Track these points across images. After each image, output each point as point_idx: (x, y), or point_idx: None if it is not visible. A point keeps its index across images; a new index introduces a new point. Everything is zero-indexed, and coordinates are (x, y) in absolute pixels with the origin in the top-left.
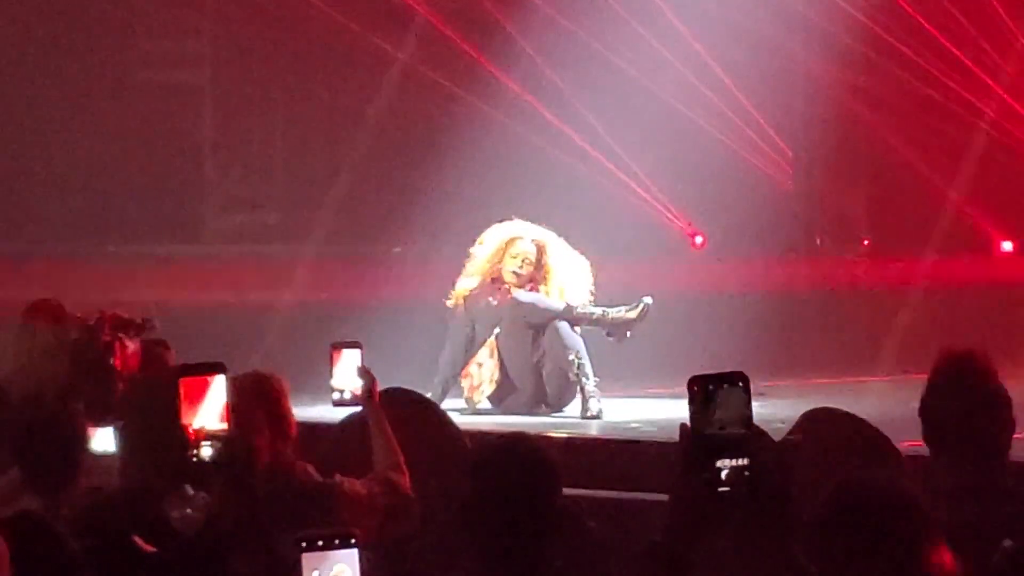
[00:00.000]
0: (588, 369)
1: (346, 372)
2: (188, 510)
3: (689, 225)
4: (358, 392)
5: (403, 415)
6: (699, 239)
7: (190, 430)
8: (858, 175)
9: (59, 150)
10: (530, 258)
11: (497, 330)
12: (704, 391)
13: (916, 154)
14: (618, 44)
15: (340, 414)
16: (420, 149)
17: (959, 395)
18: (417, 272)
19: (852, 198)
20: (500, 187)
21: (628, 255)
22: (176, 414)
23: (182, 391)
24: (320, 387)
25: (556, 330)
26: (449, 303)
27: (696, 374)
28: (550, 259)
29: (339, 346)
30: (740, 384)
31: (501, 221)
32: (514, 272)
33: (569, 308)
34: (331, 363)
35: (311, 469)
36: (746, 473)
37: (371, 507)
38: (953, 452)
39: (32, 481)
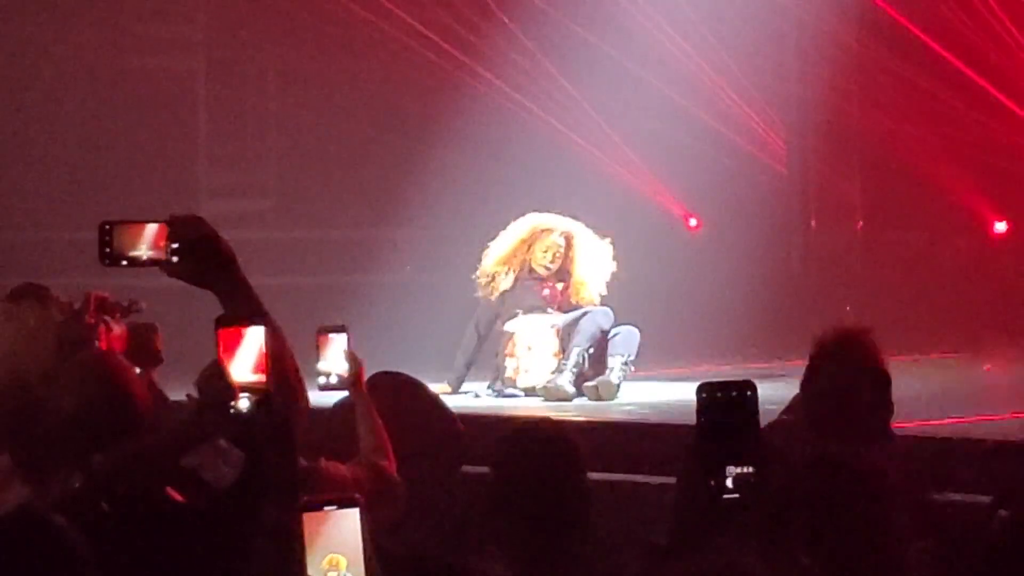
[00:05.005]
0: (575, 357)
1: (333, 356)
2: (221, 464)
3: (684, 208)
4: (345, 376)
5: (393, 399)
6: (694, 222)
7: (234, 382)
8: (852, 157)
9: (52, 136)
10: (560, 252)
11: (558, 323)
12: (712, 398)
13: (910, 136)
14: (611, 29)
15: (327, 399)
16: (415, 134)
17: (839, 371)
18: (407, 255)
19: (846, 180)
20: (494, 172)
21: (623, 238)
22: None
23: (220, 342)
24: (307, 372)
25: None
26: (482, 294)
27: (704, 381)
28: (576, 251)
29: (326, 330)
30: (748, 392)
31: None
32: (545, 266)
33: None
34: (318, 347)
35: None
36: (752, 480)
37: (356, 491)
38: (823, 424)
39: (21, 467)
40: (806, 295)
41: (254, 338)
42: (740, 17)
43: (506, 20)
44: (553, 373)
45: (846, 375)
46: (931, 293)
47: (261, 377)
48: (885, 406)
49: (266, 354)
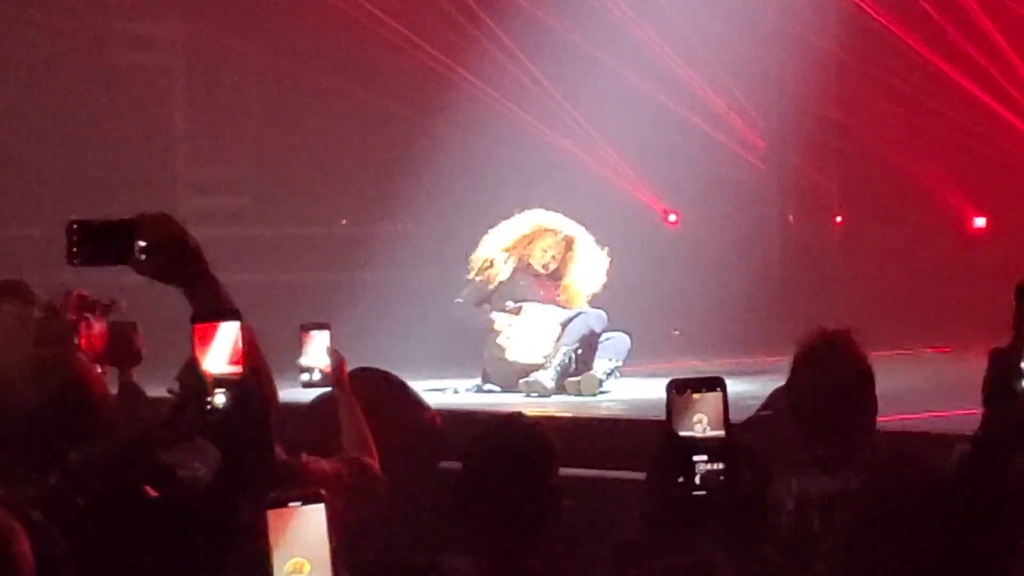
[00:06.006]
0: (561, 356)
1: (315, 352)
2: (197, 465)
3: (663, 203)
4: (327, 372)
5: (373, 395)
6: (673, 217)
7: (208, 376)
8: (830, 152)
9: (28, 133)
10: (559, 254)
11: (560, 319)
12: (683, 394)
13: (888, 132)
14: (590, 27)
15: (309, 396)
16: (395, 130)
17: (824, 372)
18: (387, 251)
19: (825, 176)
20: (475, 169)
21: (603, 233)
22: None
23: (195, 337)
24: (289, 368)
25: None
26: (478, 277)
27: (675, 378)
28: (575, 255)
29: (308, 327)
30: (718, 389)
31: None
32: (543, 265)
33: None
34: (300, 344)
35: (278, 448)
36: (721, 477)
37: (338, 487)
38: (813, 426)
39: None
40: (784, 290)
41: (229, 332)
42: (719, 13)
43: (486, 18)
44: (545, 357)
45: (831, 375)
46: (909, 288)
47: (237, 368)
48: (870, 404)
49: (241, 349)
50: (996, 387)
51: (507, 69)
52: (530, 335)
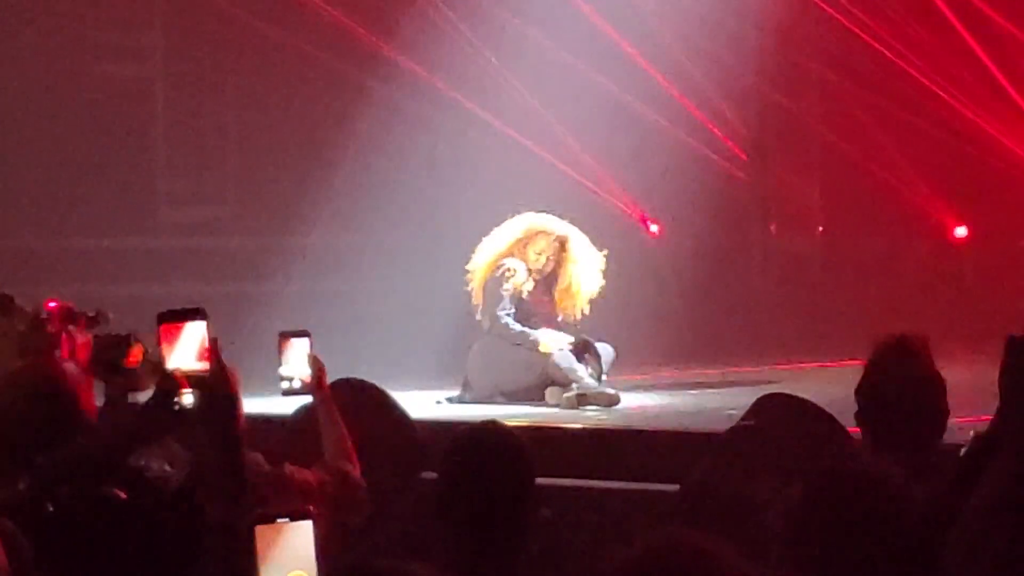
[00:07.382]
0: (581, 371)
1: (295, 361)
2: (167, 466)
3: (645, 214)
4: (308, 381)
5: (354, 405)
6: (654, 227)
7: (176, 374)
8: (812, 162)
9: (8, 143)
10: (553, 256)
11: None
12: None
13: (869, 141)
14: (568, 34)
15: (289, 404)
16: (376, 140)
17: (896, 379)
18: (369, 261)
19: (806, 185)
20: (455, 179)
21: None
22: (161, 361)
23: (161, 335)
24: (269, 378)
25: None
26: (503, 287)
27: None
28: (570, 255)
29: (288, 335)
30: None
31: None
32: (538, 268)
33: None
34: (280, 352)
35: (260, 459)
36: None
37: (321, 496)
38: (885, 434)
39: None
40: (766, 299)
41: (195, 331)
42: (700, 23)
43: (460, 25)
44: (570, 344)
45: (908, 382)
46: (891, 297)
47: (205, 364)
48: (943, 410)
49: (208, 347)
50: (1013, 375)
51: (491, 80)
52: (556, 334)
